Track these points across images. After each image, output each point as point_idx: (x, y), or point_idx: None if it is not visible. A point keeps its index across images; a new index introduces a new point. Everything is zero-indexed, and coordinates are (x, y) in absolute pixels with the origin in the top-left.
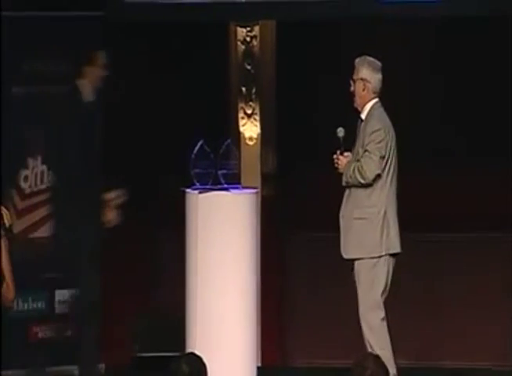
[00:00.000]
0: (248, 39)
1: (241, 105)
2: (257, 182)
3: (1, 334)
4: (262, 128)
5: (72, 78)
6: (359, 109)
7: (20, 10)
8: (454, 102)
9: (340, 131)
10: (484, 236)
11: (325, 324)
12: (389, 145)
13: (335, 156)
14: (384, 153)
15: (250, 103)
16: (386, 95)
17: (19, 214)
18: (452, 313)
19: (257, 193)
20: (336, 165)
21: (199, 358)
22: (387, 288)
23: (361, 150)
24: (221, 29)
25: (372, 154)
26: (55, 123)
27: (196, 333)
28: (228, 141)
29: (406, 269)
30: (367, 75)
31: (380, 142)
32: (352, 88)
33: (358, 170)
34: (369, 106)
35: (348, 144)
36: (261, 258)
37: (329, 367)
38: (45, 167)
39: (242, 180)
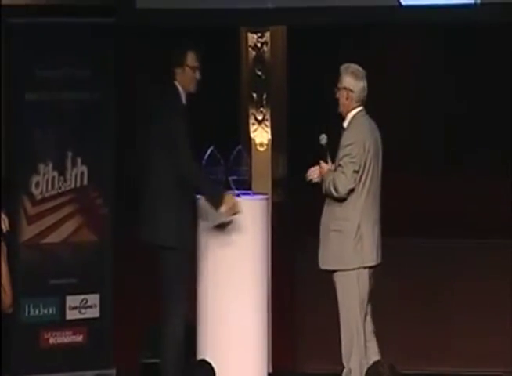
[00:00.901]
0: (259, 45)
1: (252, 111)
2: (268, 188)
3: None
4: (273, 134)
5: (85, 84)
6: (343, 115)
7: (33, 17)
8: (463, 106)
9: (323, 139)
10: (488, 242)
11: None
12: (364, 158)
13: (321, 163)
14: (357, 167)
15: (261, 109)
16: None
17: (31, 220)
18: (459, 319)
19: (267, 198)
20: (315, 173)
21: (209, 364)
22: (367, 299)
23: (336, 161)
24: (232, 35)
25: (345, 169)
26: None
27: (207, 339)
28: (239, 147)
29: (410, 274)
30: (350, 84)
31: (354, 156)
32: (337, 96)
33: (333, 183)
34: (351, 115)
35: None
36: (271, 263)
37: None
38: (56, 173)
39: (253, 186)
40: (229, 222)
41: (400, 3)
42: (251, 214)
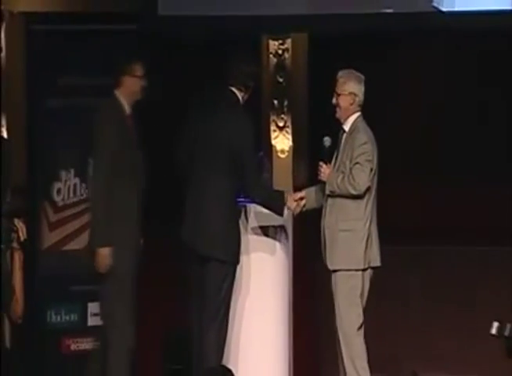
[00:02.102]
0: (280, 52)
1: (273, 118)
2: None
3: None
4: (294, 141)
5: (107, 91)
6: (342, 120)
7: (55, 24)
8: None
9: (327, 141)
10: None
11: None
12: (375, 158)
13: (322, 165)
14: (373, 166)
15: (282, 116)
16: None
17: (52, 226)
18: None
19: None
20: (319, 174)
21: (229, 371)
22: (365, 300)
23: (348, 163)
24: (254, 42)
25: (363, 166)
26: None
27: (230, 349)
28: (261, 153)
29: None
30: (356, 89)
31: (369, 155)
32: (335, 101)
33: (350, 182)
34: (352, 119)
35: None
36: (293, 269)
37: None
38: (77, 179)
39: None
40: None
41: (440, 9)
42: (272, 220)
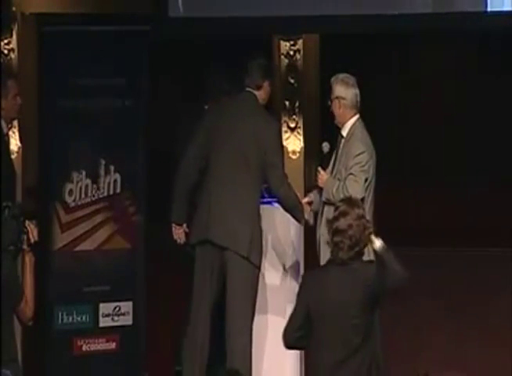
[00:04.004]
0: (292, 53)
1: (284, 119)
2: (301, 195)
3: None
4: (305, 142)
5: (119, 92)
6: (339, 125)
7: (66, 25)
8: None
9: (326, 147)
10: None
11: None
12: (371, 167)
13: (320, 171)
14: (368, 176)
15: (294, 117)
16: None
17: (64, 227)
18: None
19: None
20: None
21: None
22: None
23: (344, 171)
24: (265, 43)
25: (357, 178)
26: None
27: None
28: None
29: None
30: (341, 92)
31: (364, 165)
32: (332, 108)
33: (343, 192)
34: (350, 124)
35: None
36: (304, 271)
37: None
38: (89, 180)
39: None
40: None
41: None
42: (284, 221)
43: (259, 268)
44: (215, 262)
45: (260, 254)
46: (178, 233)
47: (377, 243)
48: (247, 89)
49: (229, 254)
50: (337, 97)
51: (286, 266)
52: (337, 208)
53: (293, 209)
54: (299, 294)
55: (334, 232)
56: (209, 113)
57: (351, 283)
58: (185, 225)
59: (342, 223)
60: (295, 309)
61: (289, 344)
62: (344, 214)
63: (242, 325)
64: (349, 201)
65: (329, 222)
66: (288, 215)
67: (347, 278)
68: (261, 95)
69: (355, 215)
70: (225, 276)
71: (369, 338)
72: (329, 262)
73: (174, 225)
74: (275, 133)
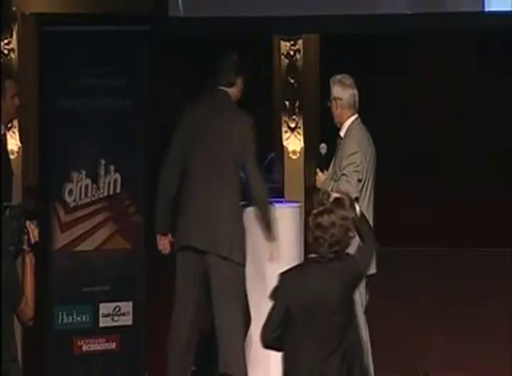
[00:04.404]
0: (292, 53)
1: (285, 119)
2: (301, 195)
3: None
4: (306, 142)
5: (119, 92)
6: (338, 126)
7: (67, 25)
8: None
9: (323, 148)
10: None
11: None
12: (366, 167)
13: (318, 172)
14: (361, 176)
15: (294, 117)
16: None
17: (64, 227)
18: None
19: (300, 206)
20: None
21: None
22: (364, 307)
23: (339, 171)
24: (265, 43)
25: (349, 178)
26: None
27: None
28: (272, 155)
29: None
30: (338, 93)
31: (357, 165)
32: (331, 109)
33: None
34: (347, 124)
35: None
36: None
37: None
38: (89, 180)
39: (285, 194)
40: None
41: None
42: (284, 222)
43: (243, 265)
44: (197, 267)
45: (243, 251)
46: (163, 244)
47: (357, 208)
48: (220, 87)
49: (211, 257)
50: (334, 98)
51: (287, 264)
52: (325, 204)
53: (261, 203)
54: (276, 294)
55: (316, 226)
56: (185, 115)
57: (329, 279)
58: (170, 234)
59: (325, 220)
60: (273, 309)
61: (266, 344)
62: (328, 211)
63: (232, 326)
64: (338, 201)
65: (314, 216)
66: (288, 214)
67: (325, 274)
68: (233, 92)
69: (339, 215)
70: (209, 280)
71: (348, 334)
72: (306, 260)
73: (158, 235)
74: (249, 129)
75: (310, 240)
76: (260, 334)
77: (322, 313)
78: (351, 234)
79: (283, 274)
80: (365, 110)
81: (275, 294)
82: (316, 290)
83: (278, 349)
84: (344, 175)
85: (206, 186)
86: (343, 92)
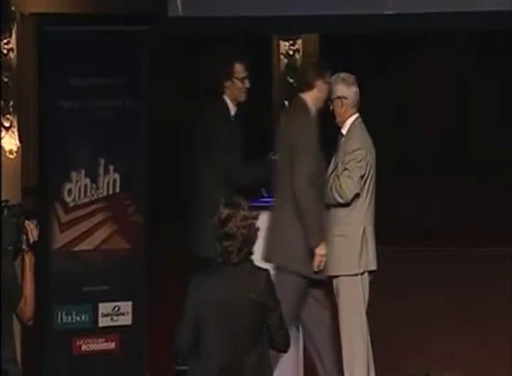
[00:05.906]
0: (291, 53)
1: None
2: None
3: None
4: None
5: (118, 92)
6: (340, 125)
7: (67, 25)
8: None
9: (273, 155)
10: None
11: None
12: (369, 164)
13: None
14: (363, 172)
15: None
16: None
17: (63, 227)
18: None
19: None
20: None
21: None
22: (366, 305)
23: (341, 166)
24: (264, 42)
25: (351, 173)
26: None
27: None
28: (271, 154)
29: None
30: (343, 92)
31: (360, 161)
32: (331, 108)
33: (336, 189)
34: (349, 122)
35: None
36: None
37: None
38: (88, 180)
39: None
40: None
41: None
42: None
43: None
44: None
45: None
46: None
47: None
48: (224, 97)
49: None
50: (338, 97)
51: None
52: (221, 213)
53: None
54: (188, 298)
55: (223, 237)
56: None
57: (242, 284)
58: None
59: (230, 227)
60: (185, 313)
61: (183, 349)
62: (229, 218)
63: None
64: (231, 204)
65: (217, 227)
66: None
67: (238, 278)
68: (234, 101)
69: (241, 216)
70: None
71: (262, 339)
72: (218, 263)
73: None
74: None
75: (219, 250)
76: (175, 339)
77: (233, 316)
78: (255, 228)
79: (193, 277)
80: (365, 110)
81: (187, 298)
82: (227, 293)
83: (196, 354)
84: (346, 169)
85: (199, 191)
86: (348, 90)
